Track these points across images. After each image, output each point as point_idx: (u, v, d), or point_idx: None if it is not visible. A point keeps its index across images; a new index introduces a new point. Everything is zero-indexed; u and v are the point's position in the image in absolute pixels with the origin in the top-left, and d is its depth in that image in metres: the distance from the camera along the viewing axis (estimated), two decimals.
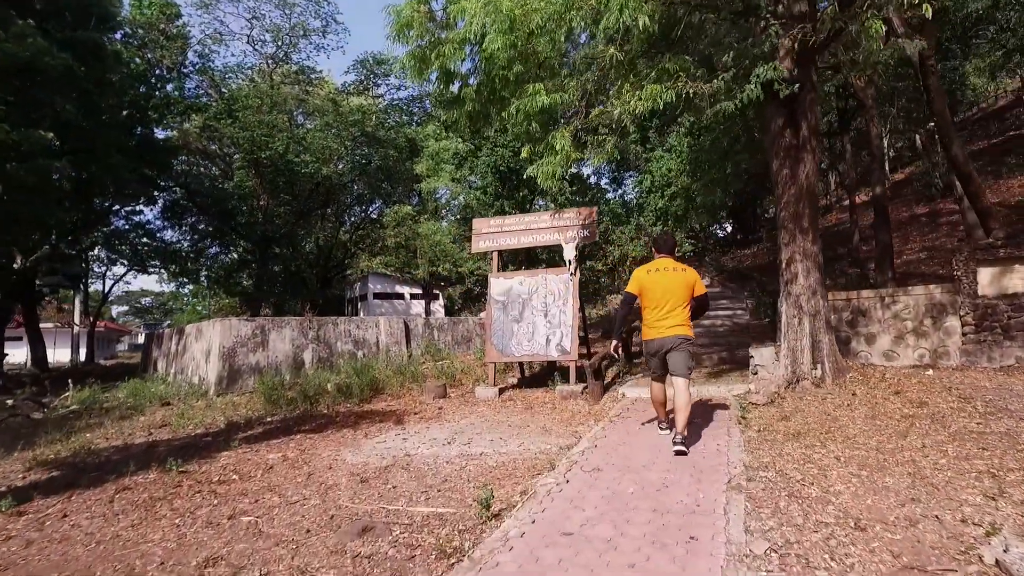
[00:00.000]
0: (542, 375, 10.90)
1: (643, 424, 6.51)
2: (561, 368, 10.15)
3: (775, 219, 7.99)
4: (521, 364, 10.68)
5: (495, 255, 10.03)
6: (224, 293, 41.93)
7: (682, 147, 31.69)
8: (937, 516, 3.41)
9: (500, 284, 9.79)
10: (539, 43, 7.69)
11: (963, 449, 4.68)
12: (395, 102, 39.79)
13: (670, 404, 5.62)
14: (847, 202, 34.01)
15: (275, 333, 14.52)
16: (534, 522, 3.74)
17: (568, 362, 9.18)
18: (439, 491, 4.95)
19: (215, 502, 4.99)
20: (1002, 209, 20.03)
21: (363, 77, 37.77)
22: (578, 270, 9.35)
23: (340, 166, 35.55)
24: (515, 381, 10.65)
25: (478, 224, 10.26)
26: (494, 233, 10.04)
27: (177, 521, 4.54)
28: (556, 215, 9.74)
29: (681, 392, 5.23)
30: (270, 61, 32.76)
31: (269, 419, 9.51)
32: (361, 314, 41.93)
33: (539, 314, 9.40)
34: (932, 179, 25.63)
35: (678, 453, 5.09)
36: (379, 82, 38.75)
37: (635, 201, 38.26)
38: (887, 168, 32.57)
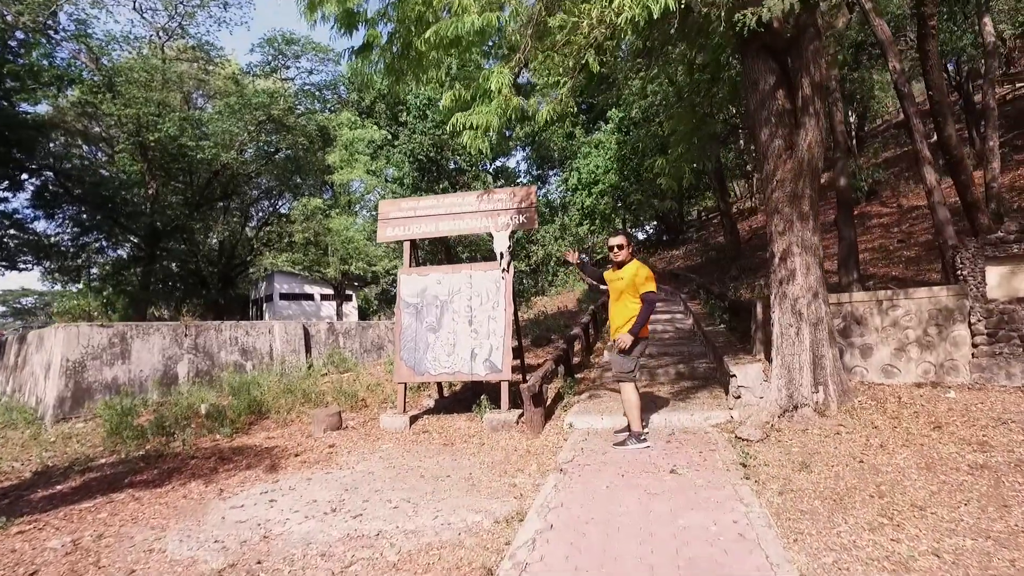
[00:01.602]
0: (466, 395, 8.90)
1: (609, 484, 4.62)
2: (488, 386, 8.22)
3: (765, 201, 6.35)
4: (440, 382, 8.64)
5: (407, 246, 7.93)
6: (114, 293, 37.50)
7: (610, 144, 30.51)
8: None
9: (413, 283, 7.72)
10: None
11: None
12: (306, 87, 36.68)
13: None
14: None
15: (140, 342, 11.86)
16: None
17: (500, 382, 7.23)
18: None
19: None
20: (929, 212, 19.70)
21: (271, 58, 34.49)
22: (512, 265, 7.42)
23: (246, 154, 32.24)
24: (432, 403, 8.60)
25: (386, 207, 8.13)
26: (406, 218, 7.95)
27: None
28: (485, 196, 7.75)
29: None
30: (162, 33, 29.11)
31: (102, 461, 7.12)
32: (266, 316, 38.53)
33: (462, 321, 7.40)
34: (857, 183, 25.46)
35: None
36: (289, 64, 35.53)
37: (559, 200, 36.91)
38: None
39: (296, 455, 6.50)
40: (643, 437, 5.58)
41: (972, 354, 6.74)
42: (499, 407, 7.16)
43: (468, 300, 7.43)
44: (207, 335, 13.00)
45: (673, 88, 19.78)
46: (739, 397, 6.28)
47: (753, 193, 35.32)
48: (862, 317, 7.06)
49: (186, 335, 12.58)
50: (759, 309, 7.18)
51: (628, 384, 5.58)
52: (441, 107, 5.98)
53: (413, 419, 7.51)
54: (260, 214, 39.72)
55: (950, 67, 27.29)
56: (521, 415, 6.88)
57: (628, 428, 5.97)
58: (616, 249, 5.73)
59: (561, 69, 5.26)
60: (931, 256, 14.40)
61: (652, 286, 5.49)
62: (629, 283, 5.53)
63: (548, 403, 7.61)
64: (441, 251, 25.03)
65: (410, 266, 7.90)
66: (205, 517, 4.72)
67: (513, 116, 5.18)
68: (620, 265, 5.77)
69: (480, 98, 5.37)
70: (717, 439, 5.55)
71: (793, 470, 4.49)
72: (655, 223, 38.80)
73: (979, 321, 6.72)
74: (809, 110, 5.86)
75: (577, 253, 6.10)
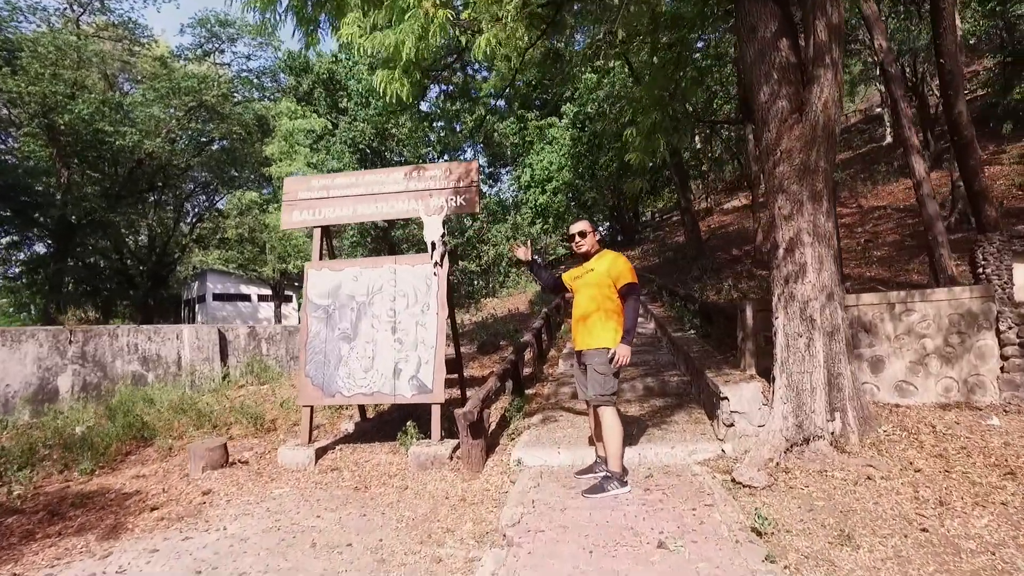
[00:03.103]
0: (394, 417, 7.37)
1: (572, 572, 3.20)
2: (419, 407, 6.70)
3: (765, 177, 5.06)
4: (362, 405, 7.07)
5: (318, 234, 6.36)
6: (31, 293, 34.29)
7: (564, 140, 29.34)
8: None
9: (323, 280, 6.15)
10: None
11: None
12: (244, 73, 34.34)
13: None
14: (728, 204, 33.38)
15: (6, 351, 9.92)
16: None
17: (431, 404, 5.73)
18: None
19: None
20: (895, 212, 19.20)
21: (203, 40, 32.04)
22: (447, 258, 5.94)
23: (179, 145, 29.78)
24: (352, 427, 7.04)
25: (293, 186, 6.54)
26: (317, 200, 6.38)
27: None
28: (415, 173, 6.24)
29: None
30: (76, 6, 26.48)
31: None
32: (199, 318, 35.95)
33: (383, 328, 5.87)
34: None
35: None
36: (224, 48, 33.15)
37: (512, 199, 35.51)
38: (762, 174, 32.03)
39: (154, 508, 4.86)
40: (625, 479, 4.25)
41: (1001, 368, 5.60)
42: (429, 436, 5.67)
43: (392, 301, 5.91)
44: (98, 341, 11.09)
45: (632, 77, 18.66)
46: (731, 425, 4.96)
47: (709, 194, 34.72)
48: (871, 324, 5.84)
49: (71, 342, 10.66)
50: (749, 313, 5.91)
51: (610, 409, 4.27)
52: (341, 38, 4.41)
53: (321, 452, 5.95)
54: (196, 209, 37.07)
55: (906, 68, 26.97)
56: (456, 448, 5.42)
57: (593, 468, 4.63)
58: (578, 238, 4.46)
59: None
60: (903, 256, 13.58)
61: (634, 277, 4.28)
62: (604, 276, 4.28)
63: (492, 429, 6.16)
64: (384, 248, 23.34)
65: (321, 259, 6.33)
66: None
67: (439, 35, 3.69)
68: (587, 256, 4.47)
69: (396, 18, 3.87)
70: (711, 485, 4.20)
71: (830, 543, 3.16)
72: (609, 224, 37.80)
73: (1009, 329, 5.58)
74: (825, 60, 4.58)
75: (529, 249, 4.72)
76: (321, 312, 6.04)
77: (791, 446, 4.53)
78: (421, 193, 6.13)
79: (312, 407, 6.04)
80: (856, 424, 4.60)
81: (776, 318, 4.83)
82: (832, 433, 4.57)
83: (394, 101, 4.08)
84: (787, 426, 4.58)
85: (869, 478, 3.99)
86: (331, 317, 6.01)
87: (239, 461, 6.09)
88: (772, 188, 4.87)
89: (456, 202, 6.06)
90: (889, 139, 30.03)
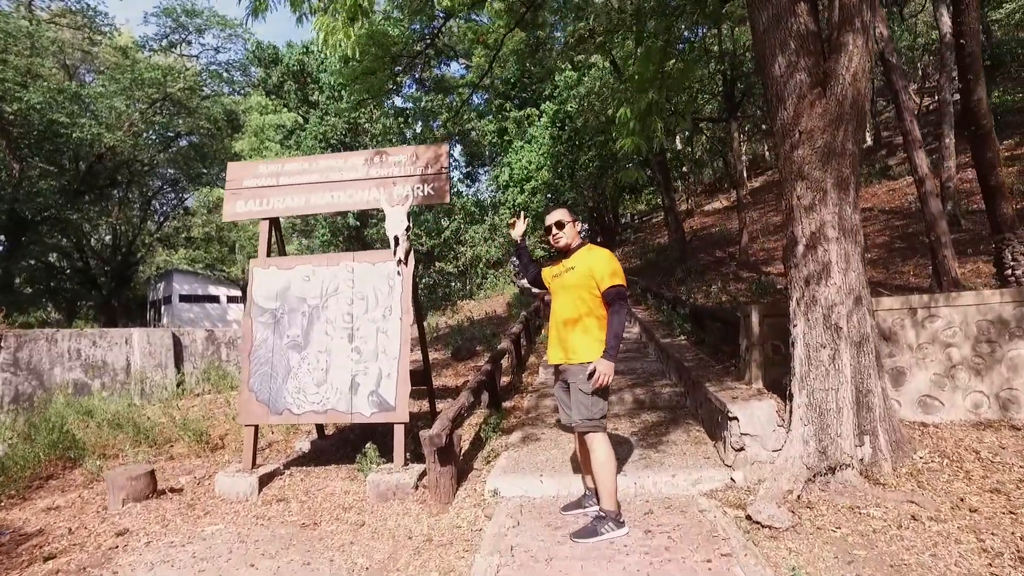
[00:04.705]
0: (355, 434, 6.58)
1: None
2: (381, 425, 5.92)
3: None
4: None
5: (265, 227, 5.55)
6: None
7: (544, 139, 28.68)
8: None
9: (271, 280, 5.35)
10: None
11: None
12: (213, 66, 33.06)
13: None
14: (709, 206, 33.00)
15: None
16: None
17: (393, 423, 4.96)
18: None
19: None
20: (881, 214, 18.78)
21: (169, 31, 30.75)
22: (411, 254, 5.18)
23: (143, 139, 28.51)
24: (308, 446, 6.23)
25: (237, 172, 5.72)
26: (264, 188, 5.58)
27: None
28: (376, 159, 5.46)
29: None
30: None
31: None
32: (164, 320, 34.60)
33: (339, 335, 5.09)
34: None
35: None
36: (191, 39, 31.85)
37: (490, 199, 34.77)
38: (745, 174, 31.70)
39: (50, 557, 4.02)
40: (621, 519, 3.54)
41: None
42: (390, 459, 4.91)
43: (349, 305, 5.13)
44: (34, 347, 10.12)
45: (614, 71, 18.04)
46: (741, 449, 4.27)
47: (690, 195, 34.34)
48: (891, 331, 5.20)
49: (0, 347, 9.69)
50: (755, 319, 5.24)
51: (600, 436, 3.53)
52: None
53: (268, 478, 5.14)
54: (164, 207, 35.70)
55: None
56: (422, 475, 4.67)
57: (582, 502, 3.93)
58: (555, 229, 3.71)
59: None
60: (895, 258, 13.10)
61: (621, 279, 3.52)
62: (586, 276, 3.53)
63: (465, 450, 5.42)
64: (358, 248, 22.47)
65: (269, 255, 5.53)
66: None
67: None
68: (567, 252, 3.74)
69: None
70: (724, 526, 3.50)
71: None
72: (588, 225, 37.22)
73: None
74: (854, 23, 3.91)
75: (523, 222, 4.08)
76: (268, 317, 5.24)
77: (813, 476, 3.86)
78: (384, 181, 5.36)
79: (256, 427, 5.22)
80: (888, 450, 3.94)
81: (794, 326, 4.15)
82: (861, 460, 3.91)
83: (335, 52, 3.31)
84: (808, 452, 3.90)
85: (915, 518, 3.33)
86: (279, 322, 5.21)
87: (171, 489, 5.25)
88: (789, 175, 4.19)
89: (424, 191, 5.30)
90: (869, 141, 29.87)
